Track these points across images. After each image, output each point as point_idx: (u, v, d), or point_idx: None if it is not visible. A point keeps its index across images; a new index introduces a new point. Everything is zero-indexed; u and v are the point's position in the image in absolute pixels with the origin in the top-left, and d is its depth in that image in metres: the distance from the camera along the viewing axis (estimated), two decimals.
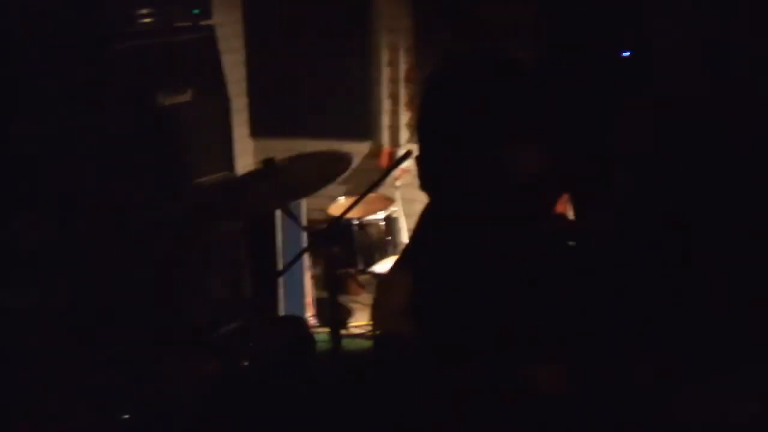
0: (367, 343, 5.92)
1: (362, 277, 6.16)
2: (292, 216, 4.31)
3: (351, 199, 6.19)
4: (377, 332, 4.33)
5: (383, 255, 6.19)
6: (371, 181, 4.60)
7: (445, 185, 3.69)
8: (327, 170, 4.38)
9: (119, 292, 4.90)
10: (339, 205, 6.33)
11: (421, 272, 3.64)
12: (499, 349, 3.49)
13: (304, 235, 6.17)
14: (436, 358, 3.55)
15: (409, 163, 4.02)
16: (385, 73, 6.86)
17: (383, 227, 6.23)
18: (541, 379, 3.25)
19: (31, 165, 4.80)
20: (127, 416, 3.83)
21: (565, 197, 3.73)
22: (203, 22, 5.80)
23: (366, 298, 6.66)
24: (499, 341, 3.50)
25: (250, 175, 4.68)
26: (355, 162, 6.73)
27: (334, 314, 4.01)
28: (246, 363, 4.06)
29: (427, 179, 3.92)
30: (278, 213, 5.98)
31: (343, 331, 4.79)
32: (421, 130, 4.13)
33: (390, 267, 4.52)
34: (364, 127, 6.93)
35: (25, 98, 4.93)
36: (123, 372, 4.15)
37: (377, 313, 4.36)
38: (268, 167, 4.14)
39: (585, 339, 3.26)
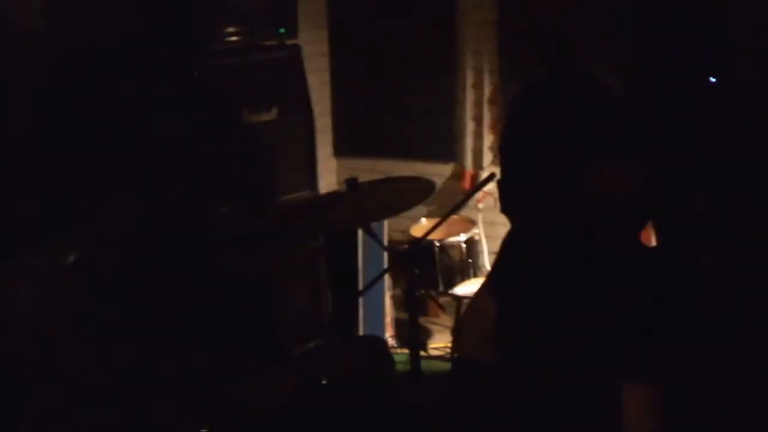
0: (445, 366, 5.89)
1: (443, 299, 6.13)
2: (373, 236, 4.31)
3: (433, 221, 6.16)
4: (459, 355, 4.32)
5: (464, 277, 6.15)
6: (453, 203, 4.59)
7: (526, 208, 3.67)
8: (409, 195, 4.38)
9: (200, 307, 4.93)
10: (421, 226, 6.31)
11: (503, 298, 3.62)
12: (583, 373, 3.46)
13: (385, 256, 6.17)
14: (518, 383, 3.52)
15: (491, 186, 4.01)
16: (470, 95, 6.83)
17: (464, 249, 6.20)
18: (626, 401, 3.21)
19: (121, 177, 4.87)
20: (204, 431, 3.85)
21: (649, 225, 3.69)
22: (289, 41, 5.85)
23: (446, 320, 6.62)
24: (582, 365, 3.46)
25: (332, 195, 4.69)
26: (438, 184, 6.74)
27: (413, 336, 3.99)
28: (324, 381, 4.07)
29: (508, 202, 3.90)
30: (360, 232, 5.98)
31: (422, 353, 4.77)
32: (503, 152, 4.12)
33: (475, 291, 4.50)
34: (447, 148, 6.90)
35: (116, 112, 5.00)
36: (203, 386, 4.18)
37: (460, 337, 4.35)
38: (351, 187, 4.14)
39: (672, 361, 3.22)
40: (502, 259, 3.80)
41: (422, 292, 5.88)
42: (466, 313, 4.42)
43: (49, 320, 4.07)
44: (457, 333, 4.55)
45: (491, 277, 4.14)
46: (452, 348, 6.07)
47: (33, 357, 4.00)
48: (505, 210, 3.90)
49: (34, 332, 4.04)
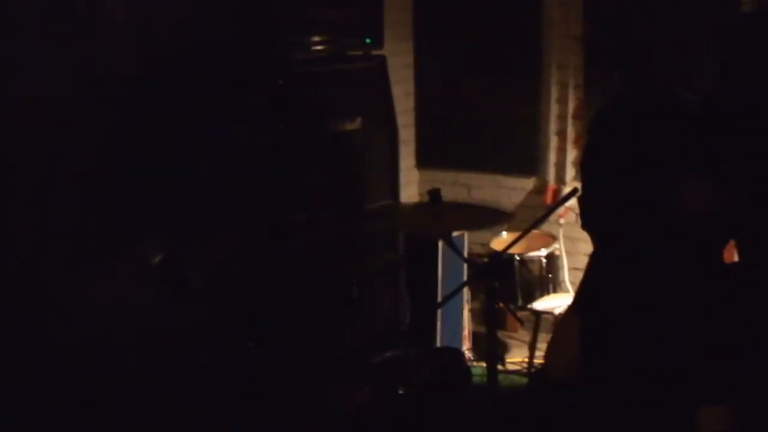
0: (521, 380, 5.87)
1: (521, 314, 6.10)
2: (453, 247, 4.31)
3: (513, 234, 6.15)
4: (549, 374, 4.30)
5: (543, 292, 6.12)
6: (535, 217, 4.57)
7: (606, 226, 3.64)
8: (486, 221, 4.39)
9: (282, 313, 4.97)
10: (501, 239, 6.29)
11: (587, 317, 3.60)
12: (662, 393, 3.42)
13: (465, 268, 6.16)
14: (599, 402, 3.50)
15: (573, 202, 3.99)
16: (554, 109, 6.80)
17: (544, 264, 6.17)
18: (707, 420, 3.18)
19: (208, 185, 4.92)
20: None
21: (732, 245, 3.64)
22: (375, 52, 5.87)
23: (523, 334, 6.60)
24: (662, 385, 3.42)
25: (414, 206, 4.70)
26: (520, 198, 6.72)
27: (492, 349, 3.98)
28: (401, 391, 4.07)
29: (588, 218, 3.88)
30: (441, 244, 5.98)
31: (498, 367, 4.75)
32: (584, 168, 4.10)
33: (563, 312, 4.48)
34: (530, 163, 6.88)
35: (202, 118, 5.05)
36: (282, 392, 4.20)
37: (548, 359, 4.33)
38: (433, 199, 4.15)
39: (754, 381, 3.18)
40: (585, 279, 3.78)
41: (501, 305, 5.85)
42: (554, 334, 4.40)
43: (137, 321, 4.12)
44: (545, 355, 4.52)
45: (577, 298, 4.13)
46: (530, 363, 6.05)
47: (123, 356, 4.06)
48: (585, 226, 3.88)
49: (122, 332, 4.10)
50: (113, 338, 4.12)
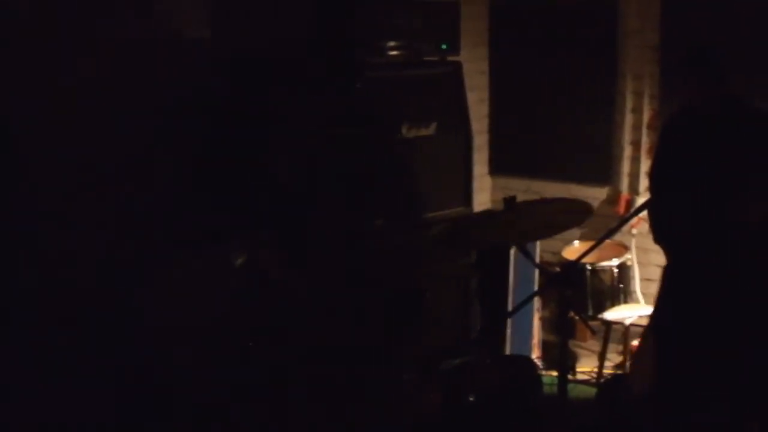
0: (591, 390, 5.83)
1: (591, 323, 6.07)
2: (527, 254, 4.30)
3: (585, 244, 6.13)
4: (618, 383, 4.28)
5: (614, 302, 6.08)
6: (607, 226, 4.56)
7: (677, 237, 3.62)
8: (565, 217, 4.36)
9: (352, 318, 4.98)
10: (573, 248, 6.26)
11: (661, 330, 3.58)
12: (732, 405, 3.40)
13: (536, 276, 6.14)
14: (671, 416, 3.48)
15: (646, 212, 3.97)
16: (628, 118, 6.76)
17: (616, 274, 6.13)
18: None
19: (287, 189, 4.97)
20: None
21: None
22: (451, 58, 5.87)
23: (592, 344, 6.57)
24: (732, 397, 3.40)
25: (489, 213, 4.69)
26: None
27: (563, 358, 3.96)
28: (472, 398, 4.07)
29: (659, 231, 3.85)
30: (512, 252, 5.97)
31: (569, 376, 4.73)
32: (654, 179, 4.07)
33: (645, 328, 4.46)
34: (603, 172, 6.84)
35: (280, 120, 5.10)
36: (351, 396, 4.22)
37: (632, 369, 4.31)
38: (508, 206, 4.14)
39: None
40: (660, 291, 3.76)
41: (573, 315, 5.82)
42: (638, 349, 4.38)
43: (215, 319, 4.17)
44: (630, 366, 4.50)
45: (653, 314, 4.10)
46: (599, 373, 6.02)
47: (200, 353, 4.11)
48: (657, 239, 3.86)
49: (200, 330, 4.15)
50: (197, 335, 4.17)
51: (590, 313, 6.04)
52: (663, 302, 3.87)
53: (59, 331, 4.37)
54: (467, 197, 5.88)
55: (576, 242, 6.38)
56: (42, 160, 4.46)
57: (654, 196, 3.94)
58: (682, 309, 3.74)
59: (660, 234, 3.98)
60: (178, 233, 4.64)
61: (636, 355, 4.47)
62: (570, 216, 4.36)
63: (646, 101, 6.68)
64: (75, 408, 4.25)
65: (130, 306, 4.41)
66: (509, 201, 4.16)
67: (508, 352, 6.05)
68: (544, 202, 4.58)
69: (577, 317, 5.95)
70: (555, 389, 4.05)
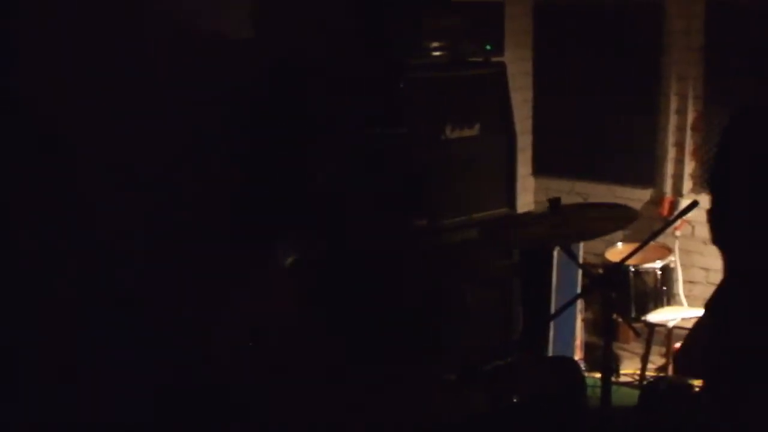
0: (633, 393, 5.81)
1: (634, 325, 6.04)
2: (572, 255, 4.30)
3: (628, 245, 6.12)
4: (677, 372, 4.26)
5: (657, 304, 6.07)
6: (650, 228, 4.54)
7: (738, 240, 3.59)
8: (610, 221, 4.35)
9: (395, 318, 5.00)
10: (617, 250, 6.25)
11: (718, 329, 3.55)
12: None
13: (579, 278, 6.13)
14: (722, 411, 3.45)
15: (690, 214, 3.95)
16: (672, 120, 6.73)
17: (659, 276, 6.11)
18: None
19: (323, 192, 4.99)
20: None
21: None
22: (495, 59, 5.87)
23: (635, 346, 6.55)
24: None
25: (534, 214, 4.68)
26: (636, 208, 6.66)
27: (607, 360, 3.95)
28: (515, 399, 4.07)
29: (719, 234, 3.82)
30: (556, 253, 5.96)
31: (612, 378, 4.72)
32: (714, 182, 4.03)
33: (696, 320, 4.44)
34: (647, 174, 6.82)
35: (324, 121, 5.12)
36: (392, 397, 4.23)
37: (680, 355, 4.28)
38: (553, 207, 4.14)
39: None
40: (719, 289, 3.73)
41: (617, 317, 5.80)
42: (685, 341, 4.35)
43: (269, 319, 4.19)
44: (677, 352, 4.48)
45: (709, 305, 4.08)
46: (642, 375, 6.00)
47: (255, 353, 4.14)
48: (716, 243, 3.83)
49: (255, 329, 4.17)
50: (247, 334, 4.20)
51: (633, 315, 6.03)
52: (720, 305, 3.84)
53: (106, 331, 4.41)
54: (511, 198, 5.87)
55: (619, 244, 6.37)
56: (89, 161, 4.50)
57: (715, 200, 3.89)
58: (740, 314, 3.71)
59: (721, 239, 3.95)
60: (224, 233, 4.67)
61: (683, 344, 4.43)
62: (614, 221, 4.35)
63: (690, 103, 6.65)
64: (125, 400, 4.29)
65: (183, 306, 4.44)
66: (554, 202, 4.16)
67: (550, 353, 6.04)
68: (589, 206, 4.56)
69: (620, 319, 5.94)
70: (597, 391, 4.04)
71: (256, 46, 5.18)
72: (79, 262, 4.43)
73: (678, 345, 5.72)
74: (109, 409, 4.26)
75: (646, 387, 5.76)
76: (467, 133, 5.60)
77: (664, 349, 6.15)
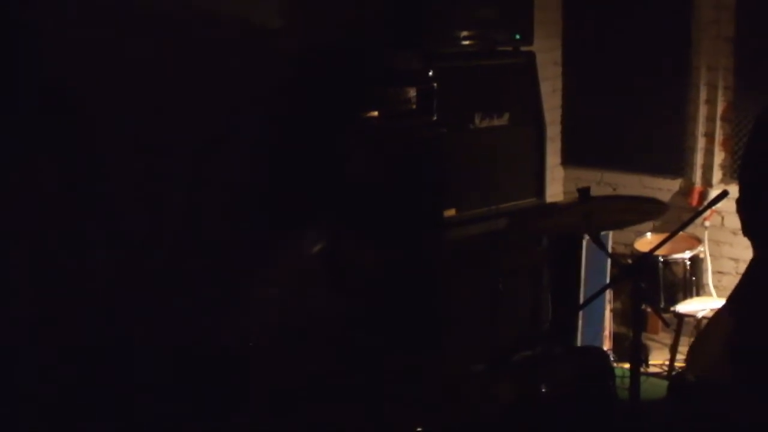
0: (661, 383, 5.81)
1: (665, 316, 6.03)
2: (601, 245, 4.29)
3: (658, 236, 6.10)
4: (688, 371, 4.25)
5: (686, 295, 6.04)
6: (679, 218, 4.53)
7: None
8: (639, 212, 4.35)
9: (424, 307, 5.01)
10: (646, 240, 6.23)
11: (744, 319, 3.55)
12: None
13: (608, 268, 6.12)
14: (748, 403, 3.45)
15: (720, 204, 3.94)
16: (702, 111, 6.71)
17: (688, 267, 6.08)
18: None
19: (360, 178, 5.00)
20: (419, 429, 3.90)
21: None
22: (524, 48, 5.86)
23: (663, 337, 6.54)
24: None
25: (563, 203, 4.68)
26: (665, 199, 6.64)
27: (636, 350, 3.95)
28: (544, 389, 4.07)
29: (750, 224, 3.81)
30: (584, 243, 5.95)
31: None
32: (744, 172, 4.02)
33: (715, 311, 4.43)
34: (676, 164, 6.79)
35: (353, 108, 5.13)
36: (422, 386, 4.24)
37: (694, 356, 4.28)
38: (583, 197, 4.14)
39: None
40: (745, 280, 3.73)
41: (647, 307, 5.79)
42: (703, 331, 4.34)
43: (297, 305, 4.21)
44: (691, 351, 4.47)
45: (733, 297, 4.07)
46: (670, 366, 5.99)
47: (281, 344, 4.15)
48: (747, 233, 3.82)
49: (281, 321, 4.19)
50: (275, 321, 4.22)
51: (662, 305, 6.01)
52: (748, 291, 3.83)
53: (135, 315, 4.44)
54: (540, 188, 5.86)
55: (648, 234, 6.35)
56: (119, 148, 4.52)
57: (745, 190, 3.88)
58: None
59: (751, 228, 3.94)
60: (254, 221, 4.69)
61: (699, 340, 4.42)
62: (643, 213, 4.35)
63: (720, 93, 6.63)
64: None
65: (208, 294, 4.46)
66: (583, 192, 4.15)
67: (579, 343, 6.04)
68: (619, 198, 4.56)
69: (649, 310, 5.92)
70: (626, 381, 4.04)
71: (285, 36, 5.19)
72: (108, 249, 4.46)
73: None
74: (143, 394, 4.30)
75: (674, 378, 5.76)
76: (496, 122, 5.61)
77: (692, 340, 6.13)
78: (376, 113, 5.16)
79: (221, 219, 4.76)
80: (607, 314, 6.31)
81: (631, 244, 6.30)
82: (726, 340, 3.90)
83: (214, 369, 4.33)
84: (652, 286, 5.99)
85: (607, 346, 6.25)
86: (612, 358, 6.07)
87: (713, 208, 4.21)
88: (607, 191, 6.99)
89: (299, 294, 4.27)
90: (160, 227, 4.62)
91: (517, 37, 5.83)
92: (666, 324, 4.49)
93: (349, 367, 4.18)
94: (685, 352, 6.13)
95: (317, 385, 4.06)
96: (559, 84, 7.27)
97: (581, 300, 5.99)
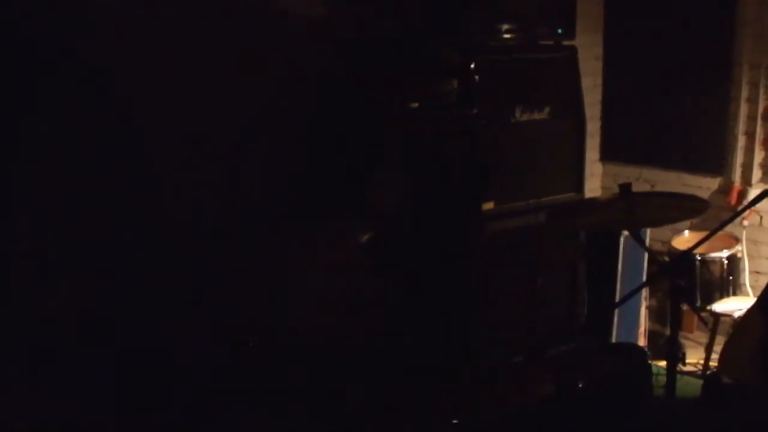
0: (696, 382, 5.79)
1: (703, 314, 6.01)
2: (640, 241, 4.28)
3: (695, 234, 6.07)
4: (724, 375, 4.25)
5: (723, 294, 6.01)
6: (717, 217, 4.51)
7: None
8: (679, 210, 4.34)
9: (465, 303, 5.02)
10: (683, 238, 6.21)
11: None
12: None
13: (645, 265, 6.11)
14: None
15: (759, 205, 3.92)
16: (743, 109, 6.67)
17: (726, 266, 6.05)
18: None
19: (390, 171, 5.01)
20: (456, 421, 3.91)
21: None
22: (566, 42, 5.84)
23: (698, 335, 6.52)
24: None
25: (603, 199, 4.67)
26: (704, 197, 6.61)
27: (673, 349, 3.94)
28: (581, 385, 4.07)
29: None
30: (622, 239, 5.93)
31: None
32: None
33: (745, 310, 4.42)
34: (716, 162, 6.76)
35: (387, 105, 5.14)
36: (458, 378, 4.25)
37: (726, 357, 4.27)
38: (624, 192, 4.13)
39: None
40: None
41: (685, 306, 5.77)
42: (733, 332, 4.33)
43: (345, 293, 4.23)
44: (722, 352, 4.46)
45: (763, 295, 4.06)
46: (705, 365, 5.97)
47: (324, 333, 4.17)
48: None
49: (326, 310, 4.20)
50: (322, 309, 4.24)
51: (699, 304, 5.98)
52: None
53: (169, 303, 4.47)
54: (579, 183, 5.85)
55: (686, 232, 6.32)
56: (161, 135, 4.55)
57: None
58: None
59: None
60: (294, 210, 4.71)
61: (731, 340, 4.41)
62: (684, 210, 4.34)
63: (761, 91, 6.59)
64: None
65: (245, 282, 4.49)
66: (624, 187, 4.15)
67: (614, 340, 6.03)
68: (659, 195, 4.55)
69: (686, 308, 5.90)
70: (661, 379, 4.03)
71: (327, 24, 5.20)
72: (148, 234, 4.50)
73: None
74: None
75: (708, 377, 5.74)
76: (537, 116, 5.59)
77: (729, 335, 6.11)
78: (416, 105, 5.16)
79: (265, 208, 4.78)
80: (643, 311, 6.29)
81: (669, 242, 6.27)
82: (757, 341, 3.89)
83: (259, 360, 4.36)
84: (689, 284, 5.96)
85: (641, 343, 6.23)
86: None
87: (752, 207, 4.20)
88: (646, 188, 6.96)
89: (346, 283, 4.29)
90: (200, 216, 4.64)
91: (560, 31, 5.81)
92: (704, 323, 4.49)
93: (389, 358, 4.20)
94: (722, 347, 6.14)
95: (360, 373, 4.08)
96: (599, 79, 7.24)
97: (617, 297, 5.97)
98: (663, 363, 4.19)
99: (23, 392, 4.15)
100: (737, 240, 6.30)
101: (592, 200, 5.83)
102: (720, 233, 5.95)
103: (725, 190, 6.74)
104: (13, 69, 4.07)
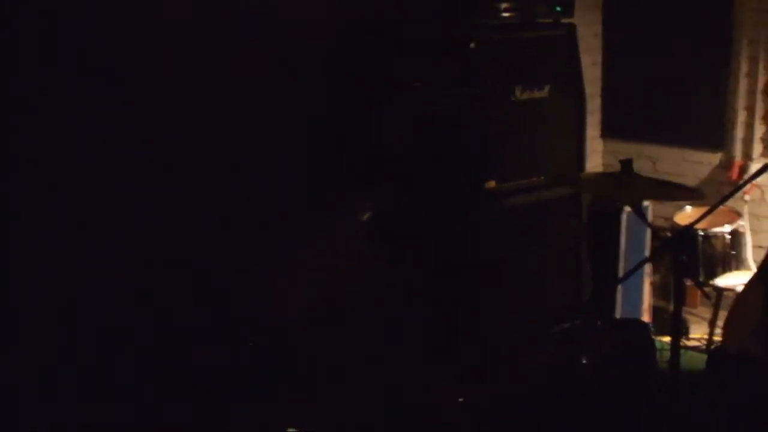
0: (700, 357, 5.81)
1: (706, 289, 6.02)
2: (641, 215, 4.29)
3: (698, 209, 6.07)
4: (726, 348, 4.25)
5: (726, 269, 6.02)
6: (719, 192, 4.51)
7: None
8: (678, 189, 4.36)
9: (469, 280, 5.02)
10: (685, 214, 6.20)
11: None
12: None
13: (648, 241, 6.11)
14: None
15: (760, 179, 3.92)
16: (743, 84, 6.66)
17: (728, 241, 6.06)
18: None
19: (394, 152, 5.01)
20: (461, 399, 3.93)
21: None
22: (565, 20, 5.83)
23: (702, 311, 6.53)
24: None
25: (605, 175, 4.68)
26: (705, 173, 6.62)
27: (677, 324, 3.95)
28: (585, 360, 4.09)
29: None
30: (624, 216, 5.94)
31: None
32: None
33: (746, 283, 4.42)
34: (716, 137, 6.76)
35: (394, 82, 5.14)
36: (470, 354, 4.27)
37: (728, 329, 4.28)
38: (625, 168, 4.14)
39: None
40: None
41: (688, 281, 5.77)
42: (735, 305, 4.33)
43: (347, 270, 4.23)
44: (725, 325, 4.46)
45: (762, 266, 4.06)
46: (709, 340, 5.99)
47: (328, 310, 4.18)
48: None
49: (330, 286, 4.21)
50: (325, 284, 4.25)
51: (702, 279, 5.99)
52: None
53: (179, 291, 4.48)
54: (580, 161, 5.85)
55: (688, 207, 6.32)
56: (167, 120, 4.56)
57: None
58: None
59: None
60: (300, 189, 4.73)
61: (732, 313, 4.41)
62: (681, 190, 4.36)
63: (761, 66, 6.58)
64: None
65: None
66: (626, 164, 4.16)
67: (618, 316, 6.04)
68: (657, 182, 4.58)
69: (689, 283, 5.91)
70: (665, 354, 4.04)
71: (329, 7, 5.21)
72: (154, 218, 4.51)
73: None
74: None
75: (713, 351, 5.76)
76: (537, 94, 5.58)
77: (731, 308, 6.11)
78: (417, 84, 5.16)
79: (267, 189, 4.78)
80: (646, 287, 6.30)
81: (671, 218, 6.28)
82: (759, 312, 3.90)
83: (262, 343, 4.37)
84: (692, 259, 5.96)
85: (645, 319, 6.24)
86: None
87: (754, 182, 4.20)
88: (647, 164, 6.96)
89: (348, 261, 4.29)
90: (203, 198, 4.65)
91: (558, 9, 5.79)
92: (707, 297, 4.50)
93: (394, 336, 4.21)
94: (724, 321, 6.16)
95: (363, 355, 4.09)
96: (599, 57, 7.23)
97: (620, 273, 5.98)
98: (667, 338, 4.20)
99: (23, 392, 4.16)
100: (739, 215, 6.30)
101: (593, 175, 5.84)
102: (722, 208, 5.94)
103: (726, 165, 6.74)
104: (13, 68, 4.07)
